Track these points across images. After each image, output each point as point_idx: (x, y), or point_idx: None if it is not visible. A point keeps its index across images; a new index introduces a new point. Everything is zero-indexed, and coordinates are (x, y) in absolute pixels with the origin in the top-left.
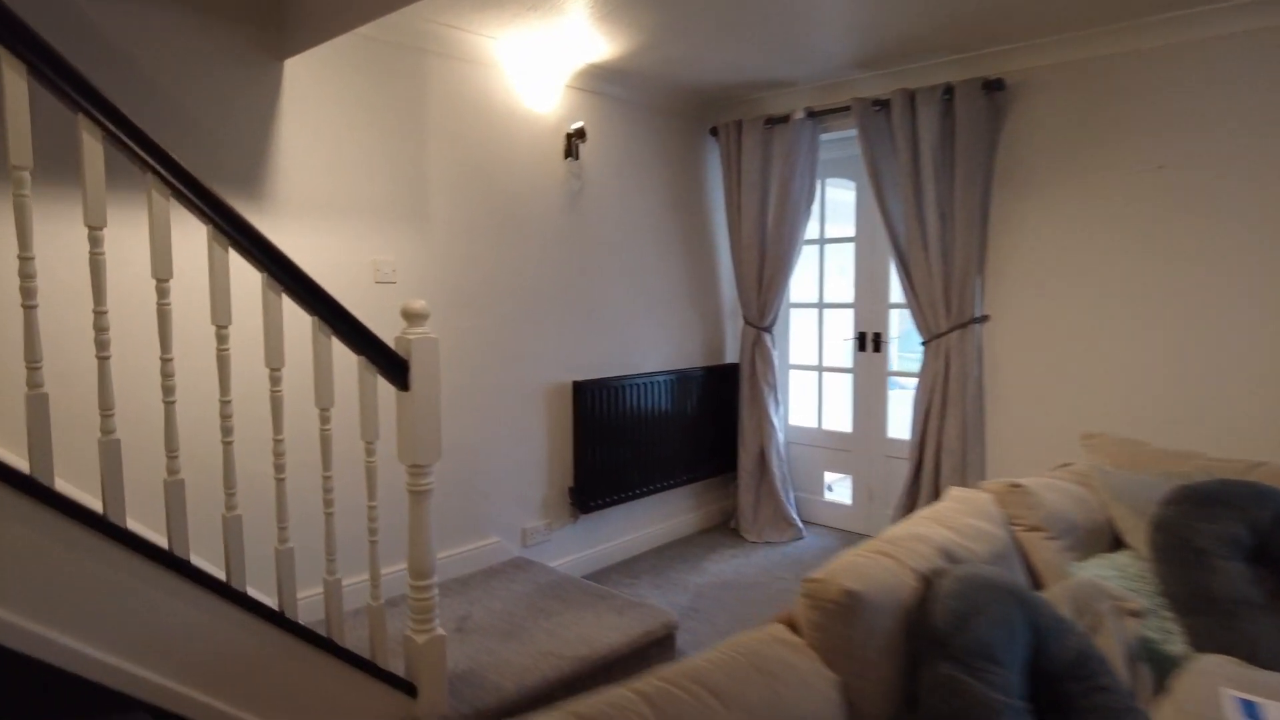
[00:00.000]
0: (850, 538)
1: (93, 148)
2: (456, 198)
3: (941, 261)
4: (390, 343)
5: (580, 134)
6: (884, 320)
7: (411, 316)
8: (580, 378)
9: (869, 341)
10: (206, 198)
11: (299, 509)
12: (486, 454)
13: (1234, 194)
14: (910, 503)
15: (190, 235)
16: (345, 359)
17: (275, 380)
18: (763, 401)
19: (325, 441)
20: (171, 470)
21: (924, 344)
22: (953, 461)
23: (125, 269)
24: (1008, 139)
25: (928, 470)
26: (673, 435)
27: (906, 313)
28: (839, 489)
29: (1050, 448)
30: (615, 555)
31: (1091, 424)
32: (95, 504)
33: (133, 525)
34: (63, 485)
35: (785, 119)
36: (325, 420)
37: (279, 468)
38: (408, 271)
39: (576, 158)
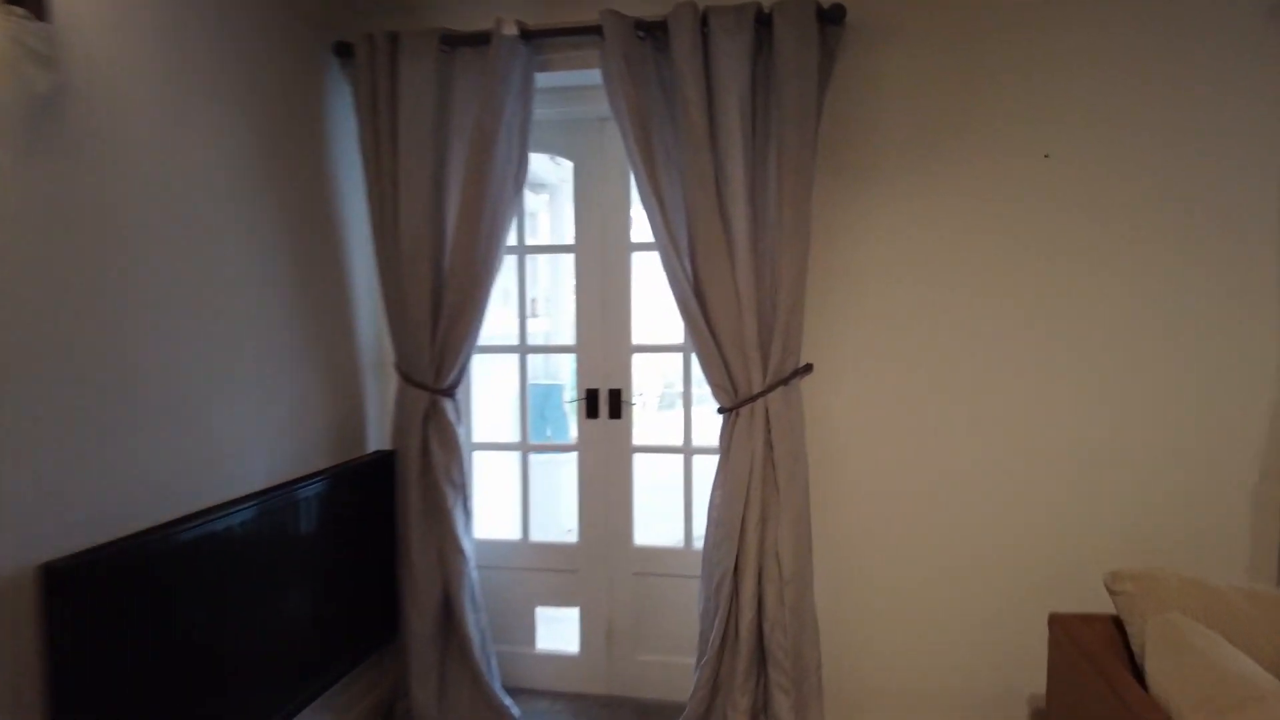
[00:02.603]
0: (585, 706)
1: None
2: None
3: (755, 282)
4: None
5: None
6: (625, 372)
7: None
8: (69, 547)
9: (603, 403)
10: None
11: None
12: None
13: (1145, 196)
14: (720, 652)
15: None
16: None
17: None
18: (446, 515)
19: None
20: None
21: (726, 411)
22: (783, 587)
23: None
24: (837, 101)
25: (747, 598)
26: (287, 616)
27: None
28: (557, 629)
29: (898, 558)
30: None
31: (965, 517)
32: None
33: None
34: None
35: (482, 38)
36: None
37: None
38: None
39: (41, 16)
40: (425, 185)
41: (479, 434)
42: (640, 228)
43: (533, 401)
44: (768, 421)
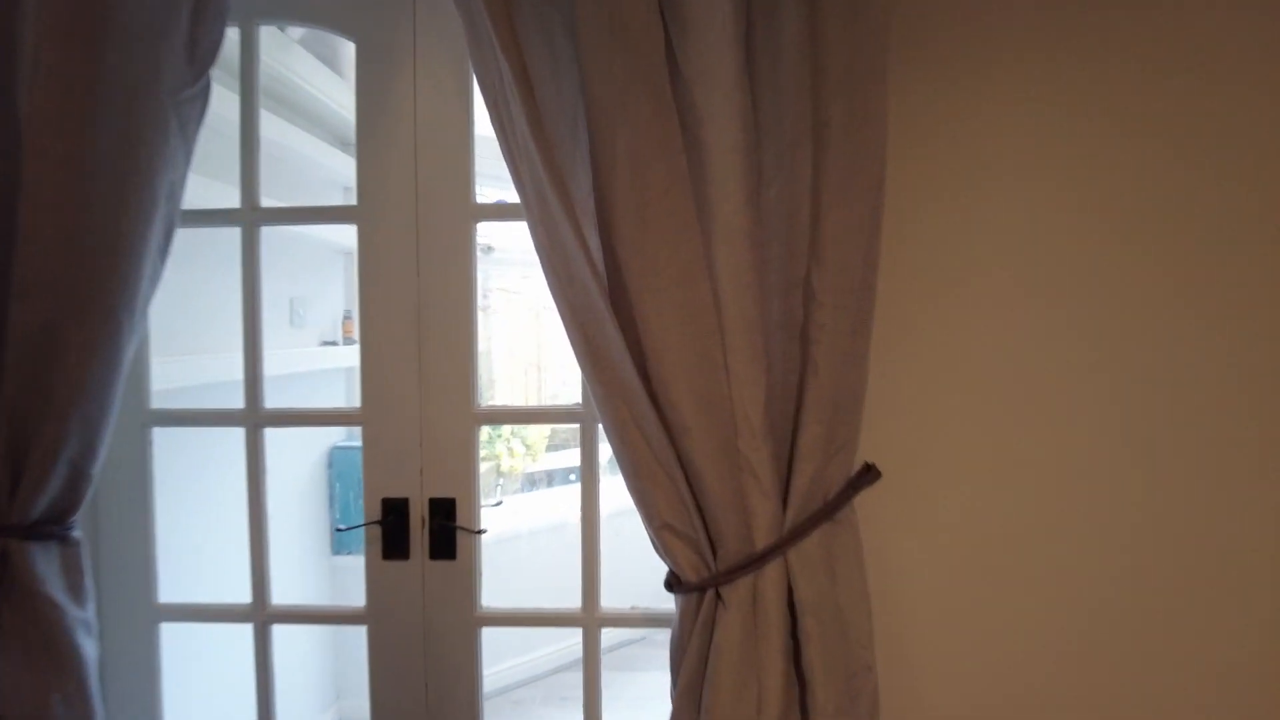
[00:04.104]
0: None
1: None
2: None
3: (756, 275)
4: None
5: None
6: (464, 461)
7: None
8: None
9: (417, 530)
10: None
11: None
12: None
13: None
14: None
15: None
16: None
17: None
18: None
19: None
20: None
21: (690, 591)
22: None
23: None
24: None
25: None
26: None
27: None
28: None
29: None
30: None
31: None
32: None
33: None
34: None
35: None
36: None
37: None
38: None
39: None
40: None
41: (176, 586)
42: (493, 174)
43: (339, 482)
44: (792, 613)
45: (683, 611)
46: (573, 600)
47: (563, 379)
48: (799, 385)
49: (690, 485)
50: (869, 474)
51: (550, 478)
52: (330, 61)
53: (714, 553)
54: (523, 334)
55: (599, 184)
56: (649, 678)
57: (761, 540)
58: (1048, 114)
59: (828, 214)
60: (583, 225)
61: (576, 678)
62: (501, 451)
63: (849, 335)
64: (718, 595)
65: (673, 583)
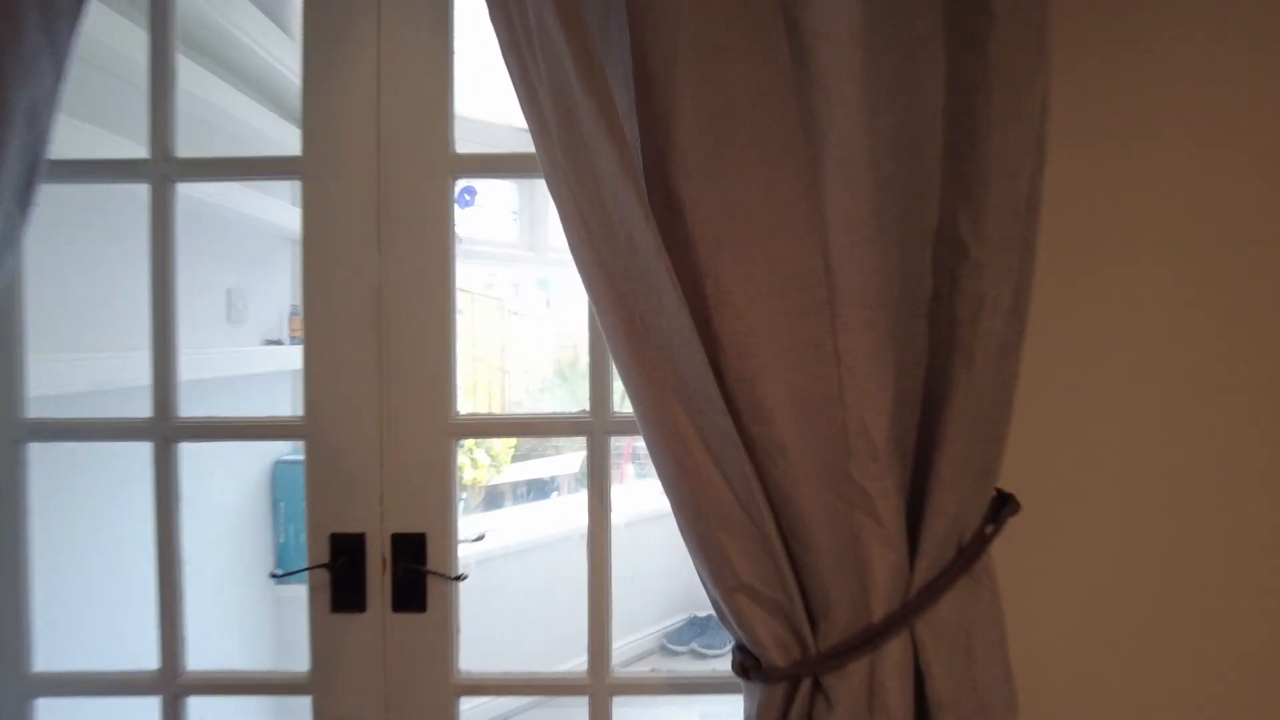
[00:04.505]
0: None
1: None
2: None
3: (878, 224)
4: None
5: None
6: (439, 488)
7: None
8: None
9: (376, 575)
10: None
11: None
12: None
13: None
14: None
15: None
16: None
17: None
18: None
19: None
20: None
21: (775, 680)
22: None
23: None
24: None
25: None
26: None
27: None
28: None
29: None
30: None
31: None
32: None
33: None
34: None
35: None
36: None
37: None
38: None
39: None
40: None
41: (63, 649)
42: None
43: (284, 502)
44: (923, 710)
45: (763, 705)
46: (556, 641)
47: (525, 387)
48: (934, 385)
49: (781, 531)
50: (1008, 507)
51: (515, 492)
52: (280, 20)
53: (811, 630)
54: (488, 338)
55: (648, 91)
56: (634, 712)
57: (880, 607)
58: (1244, 59)
59: (987, 136)
60: (614, 154)
61: (554, 714)
62: (464, 463)
63: (1008, 312)
64: (817, 685)
65: (747, 665)
